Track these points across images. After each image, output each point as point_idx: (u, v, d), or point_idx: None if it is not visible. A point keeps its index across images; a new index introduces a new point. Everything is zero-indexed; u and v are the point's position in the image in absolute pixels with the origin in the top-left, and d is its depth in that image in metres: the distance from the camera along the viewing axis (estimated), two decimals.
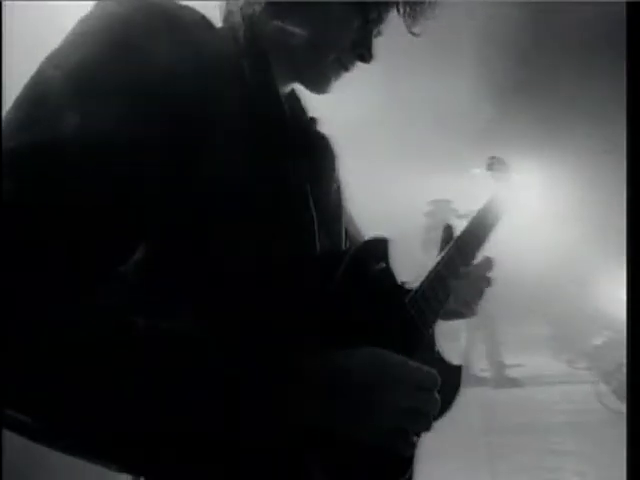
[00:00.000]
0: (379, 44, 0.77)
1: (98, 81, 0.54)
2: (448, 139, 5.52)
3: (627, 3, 0.95)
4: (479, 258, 0.97)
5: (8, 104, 0.54)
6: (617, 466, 3.13)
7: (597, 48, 4.12)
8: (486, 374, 5.53)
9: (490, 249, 1.02)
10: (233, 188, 0.61)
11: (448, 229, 0.96)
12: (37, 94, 0.54)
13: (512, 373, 5.67)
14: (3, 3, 0.52)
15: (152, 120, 0.55)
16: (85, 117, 0.52)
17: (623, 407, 3.86)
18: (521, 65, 4.48)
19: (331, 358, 0.59)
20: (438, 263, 0.86)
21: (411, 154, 5.43)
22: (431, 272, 0.84)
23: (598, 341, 4.98)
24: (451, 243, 0.92)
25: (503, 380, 5.49)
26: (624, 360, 4.09)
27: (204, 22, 0.66)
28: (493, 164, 1.16)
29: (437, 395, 0.63)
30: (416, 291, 0.79)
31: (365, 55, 0.75)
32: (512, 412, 4.56)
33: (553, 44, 4.25)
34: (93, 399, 0.50)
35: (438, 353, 0.82)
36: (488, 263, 0.96)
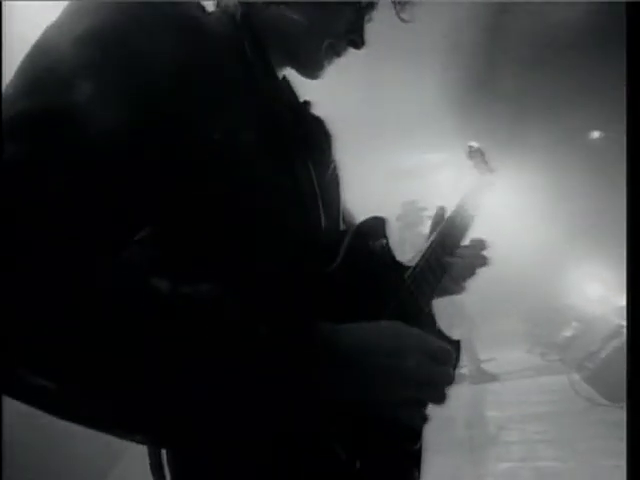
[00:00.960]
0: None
1: (109, 48, 0.53)
2: (413, 144, 5.58)
3: (627, 3, 0.95)
4: (470, 238, 1.00)
5: None
6: (593, 450, 3.18)
7: (567, 47, 4.21)
8: (465, 370, 5.57)
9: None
10: (238, 166, 0.60)
11: (440, 210, 0.99)
12: (45, 61, 0.52)
13: (490, 369, 5.72)
14: (3, 3, 0.52)
15: (162, 92, 0.54)
16: (98, 86, 0.51)
17: (595, 394, 3.94)
18: (487, 66, 4.55)
19: (347, 329, 0.57)
20: (432, 241, 0.88)
21: (378, 158, 5.46)
22: (427, 250, 0.85)
23: (568, 333, 5.07)
24: (443, 223, 0.95)
25: (481, 376, 5.54)
26: (593, 348, 4.17)
27: (200, 5, 0.66)
28: (472, 152, 1.19)
29: (451, 370, 0.62)
30: (414, 268, 0.80)
31: (357, 41, 0.75)
32: (491, 406, 4.61)
33: (522, 44, 4.33)
34: (116, 361, 0.47)
35: (438, 328, 0.82)
36: (481, 243, 0.98)
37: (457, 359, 0.81)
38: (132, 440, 0.52)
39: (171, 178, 0.55)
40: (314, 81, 0.78)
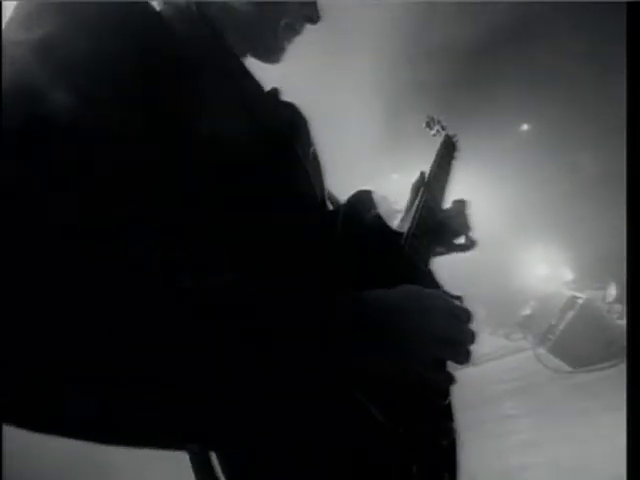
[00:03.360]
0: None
1: (70, 52, 0.50)
2: (358, 148, 5.62)
3: (627, 3, 0.93)
4: (451, 200, 1.02)
5: None
6: (566, 414, 3.28)
7: (498, 46, 4.34)
8: None
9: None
10: (229, 155, 0.58)
11: (421, 175, 0.99)
12: (10, 75, 0.48)
13: None
14: (3, 3, 0.52)
15: (133, 88, 0.52)
16: (68, 90, 0.48)
17: (559, 363, 4.12)
18: (424, 65, 4.62)
19: (372, 296, 0.57)
20: (418, 206, 0.88)
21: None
22: (415, 215, 0.86)
23: (527, 311, 5.26)
24: (422, 188, 0.96)
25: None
26: (553, 321, 4.35)
27: (150, 5, 0.62)
28: (430, 122, 1.23)
29: (471, 327, 0.61)
30: (407, 233, 0.80)
31: (313, 15, 0.75)
32: (468, 389, 4.71)
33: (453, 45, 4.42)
34: (152, 367, 0.44)
35: (439, 285, 0.81)
36: (463, 203, 1.00)
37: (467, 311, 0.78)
38: (185, 449, 0.50)
39: (168, 177, 0.53)
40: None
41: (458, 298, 0.72)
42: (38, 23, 0.52)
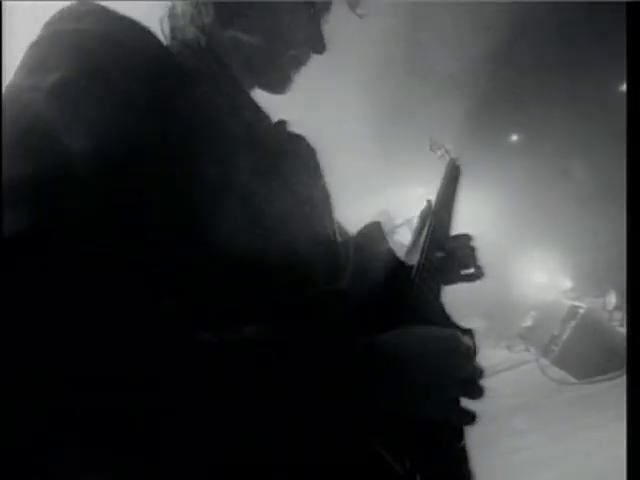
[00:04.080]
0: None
1: (85, 98, 0.50)
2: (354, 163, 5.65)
3: (627, 3, 0.94)
4: (454, 234, 1.01)
5: None
6: (578, 427, 3.23)
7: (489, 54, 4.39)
8: None
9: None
10: (239, 195, 0.58)
11: (428, 204, 1.00)
12: (23, 121, 0.48)
13: None
14: (3, 3, 0.51)
15: (146, 131, 0.52)
16: (82, 138, 0.47)
17: (564, 375, 4.07)
18: (410, 74, 4.67)
19: (388, 339, 0.57)
20: (426, 237, 0.88)
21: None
22: (424, 246, 0.86)
23: (528, 322, 5.22)
24: (430, 216, 0.95)
25: None
26: (555, 332, 4.32)
27: (158, 40, 0.62)
28: (433, 145, 1.23)
29: (477, 363, 0.62)
30: (418, 265, 0.80)
31: (318, 46, 0.75)
32: (473, 404, 4.64)
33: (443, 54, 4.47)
34: (173, 426, 0.44)
35: (449, 317, 0.81)
36: (467, 237, 1.00)
37: (474, 347, 0.79)
38: None
39: (179, 223, 0.53)
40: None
41: (469, 332, 0.73)
42: (51, 68, 0.52)
